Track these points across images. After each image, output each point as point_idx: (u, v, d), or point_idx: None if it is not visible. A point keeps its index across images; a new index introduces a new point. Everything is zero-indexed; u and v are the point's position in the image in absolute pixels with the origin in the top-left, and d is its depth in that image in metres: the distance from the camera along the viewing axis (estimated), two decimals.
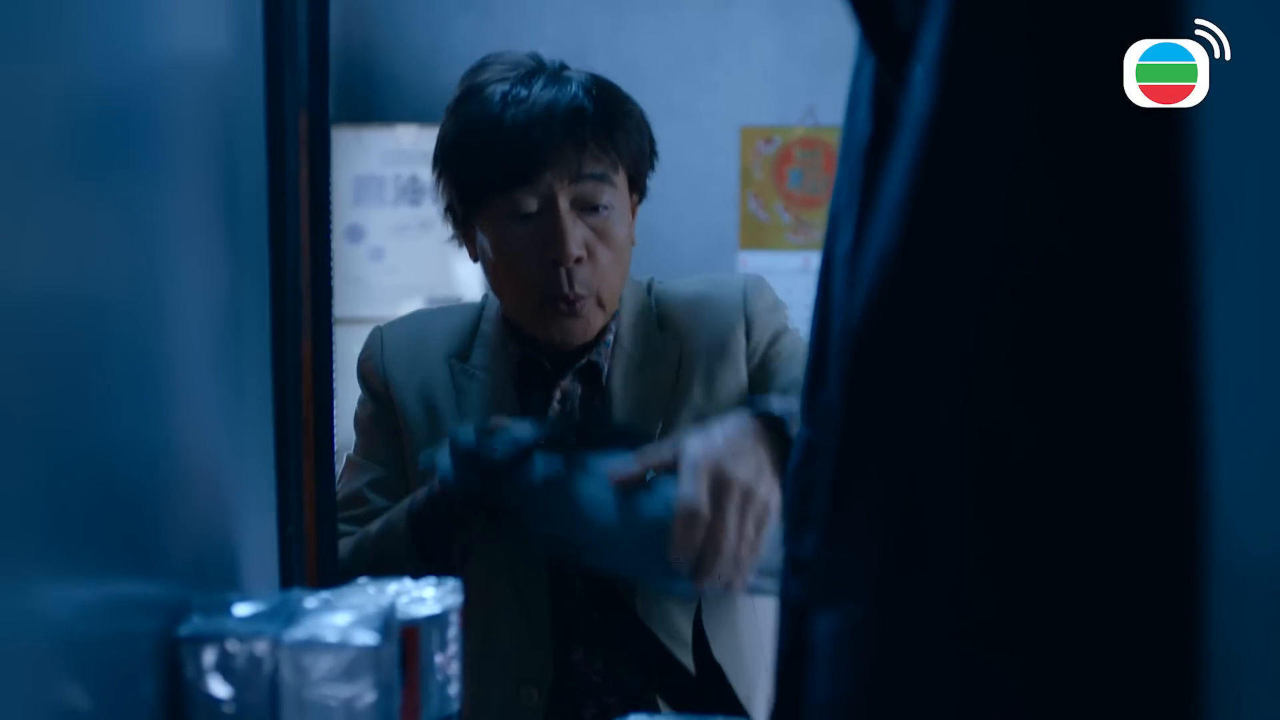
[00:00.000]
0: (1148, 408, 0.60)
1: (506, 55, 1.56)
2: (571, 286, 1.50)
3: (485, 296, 1.67)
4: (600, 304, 1.54)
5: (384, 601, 0.91)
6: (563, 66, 1.56)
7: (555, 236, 1.49)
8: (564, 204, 1.49)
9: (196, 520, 0.98)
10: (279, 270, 1.17)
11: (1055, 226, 0.61)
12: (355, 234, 4.13)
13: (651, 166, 1.60)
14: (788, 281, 4.65)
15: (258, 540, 1.12)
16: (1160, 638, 0.60)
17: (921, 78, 0.65)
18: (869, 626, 0.65)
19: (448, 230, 1.59)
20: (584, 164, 1.50)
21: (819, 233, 4.42)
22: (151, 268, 0.89)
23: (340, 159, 4.11)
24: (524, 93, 1.50)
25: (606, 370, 1.57)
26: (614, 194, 1.52)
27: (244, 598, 0.91)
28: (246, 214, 1.13)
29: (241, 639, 0.85)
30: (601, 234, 1.51)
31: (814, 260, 4.62)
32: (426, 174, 4.35)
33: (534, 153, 1.49)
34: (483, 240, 1.56)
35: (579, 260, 1.50)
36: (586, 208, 1.51)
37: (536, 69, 1.53)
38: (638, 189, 1.59)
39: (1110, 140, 0.60)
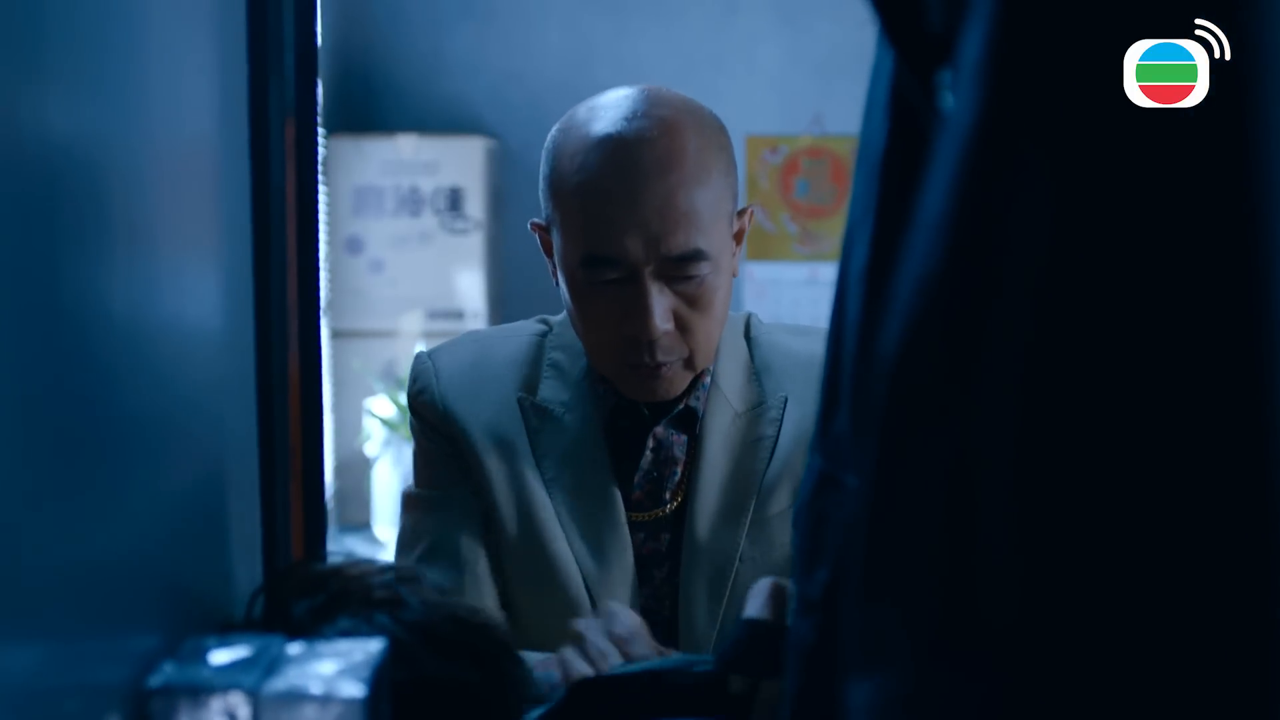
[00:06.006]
0: (1213, 433, 0.55)
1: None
2: (654, 357, 1.36)
3: (546, 321, 1.51)
4: (690, 364, 1.40)
5: (372, 649, 0.85)
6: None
7: (638, 310, 1.34)
8: (648, 275, 1.34)
9: (174, 556, 0.92)
10: (263, 285, 1.11)
11: (1106, 245, 0.55)
12: (355, 245, 4.07)
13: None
14: (794, 293, 4.61)
15: (241, 577, 1.06)
16: (1237, 698, 0.54)
17: (961, 86, 0.59)
18: (912, 701, 0.58)
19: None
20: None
21: (826, 243, 4.37)
22: (125, 283, 0.84)
23: (339, 169, 4.07)
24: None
25: (702, 415, 1.45)
26: (708, 262, 1.35)
27: (222, 642, 0.85)
28: (230, 226, 1.07)
29: (217, 690, 0.79)
30: (694, 301, 1.36)
31: (821, 271, 4.55)
32: (426, 184, 4.34)
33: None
34: (561, 279, 1.41)
35: (665, 333, 1.36)
36: (676, 277, 1.34)
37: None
38: (735, 220, 1.41)
39: (1117, 143, 0.57)
